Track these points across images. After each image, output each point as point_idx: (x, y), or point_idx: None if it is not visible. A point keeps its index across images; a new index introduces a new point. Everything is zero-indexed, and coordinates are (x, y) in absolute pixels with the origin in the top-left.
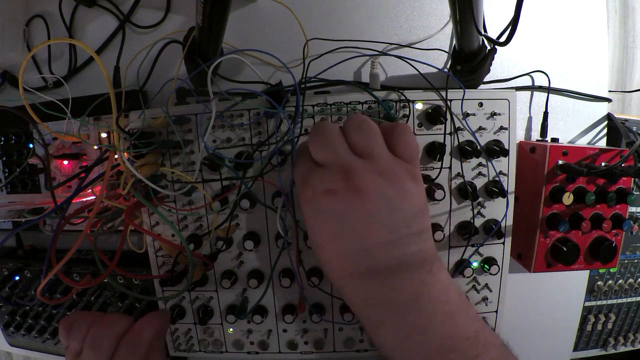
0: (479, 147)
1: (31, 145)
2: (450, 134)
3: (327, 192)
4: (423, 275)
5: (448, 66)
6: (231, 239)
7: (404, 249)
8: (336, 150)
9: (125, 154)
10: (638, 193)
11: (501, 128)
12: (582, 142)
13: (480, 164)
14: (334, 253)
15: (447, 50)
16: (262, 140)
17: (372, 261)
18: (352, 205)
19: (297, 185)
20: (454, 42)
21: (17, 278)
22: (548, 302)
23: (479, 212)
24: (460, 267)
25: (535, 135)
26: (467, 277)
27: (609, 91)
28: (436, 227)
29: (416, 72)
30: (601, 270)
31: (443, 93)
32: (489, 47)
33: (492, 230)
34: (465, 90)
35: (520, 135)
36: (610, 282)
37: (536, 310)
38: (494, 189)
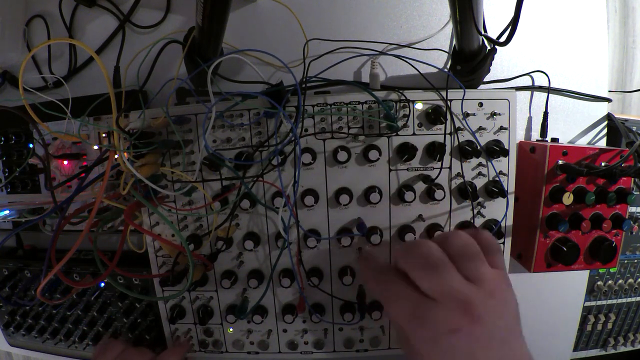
0: (479, 147)
1: (31, 145)
2: (450, 134)
3: (452, 331)
4: None
5: (448, 66)
6: (231, 239)
7: (514, 352)
8: (453, 284)
9: (125, 154)
10: (638, 193)
11: (501, 128)
12: (582, 142)
13: (480, 164)
14: None
15: (447, 50)
16: (262, 141)
17: None
18: (475, 337)
19: (402, 322)
20: (454, 42)
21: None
22: (548, 302)
23: (479, 212)
24: None
25: (535, 135)
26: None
27: (609, 91)
28: (436, 227)
29: (416, 72)
30: (601, 270)
31: (443, 93)
32: (489, 47)
33: (492, 230)
34: (465, 90)
35: (520, 135)
36: (610, 282)
37: (536, 310)
38: (494, 189)
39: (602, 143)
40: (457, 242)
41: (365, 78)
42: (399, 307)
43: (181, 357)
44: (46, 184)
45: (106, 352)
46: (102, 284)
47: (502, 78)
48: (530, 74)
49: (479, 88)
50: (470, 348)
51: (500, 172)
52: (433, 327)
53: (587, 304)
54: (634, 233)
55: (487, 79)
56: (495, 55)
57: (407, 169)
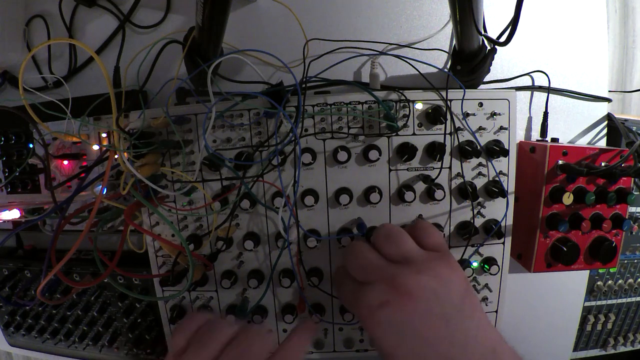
0: (479, 147)
1: (31, 145)
2: (450, 134)
3: (381, 304)
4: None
5: (448, 66)
6: (231, 239)
7: (465, 333)
8: (375, 266)
9: (125, 154)
10: (638, 193)
11: (501, 128)
12: (582, 142)
13: (480, 164)
14: (407, 358)
15: (447, 50)
16: (262, 141)
17: (440, 356)
18: (406, 308)
19: (350, 308)
20: (454, 42)
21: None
22: (548, 302)
23: (479, 212)
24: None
25: (535, 135)
26: (467, 277)
27: (609, 91)
28: (436, 227)
29: (416, 72)
30: (601, 270)
31: (443, 93)
32: (489, 47)
33: (492, 230)
34: (465, 90)
35: (520, 135)
36: (610, 282)
37: (536, 310)
38: (494, 189)
39: (602, 143)
40: (379, 231)
41: (365, 78)
42: (345, 298)
43: (309, 343)
44: (46, 184)
45: (213, 336)
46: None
47: (502, 78)
48: (530, 74)
49: (479, 88)
50: (406, 320)
51: (500, 172)
52: (366, 304)
53: (587, 304)
54: (634, 233)
55: (487, 79)
56: (495, 55)
57: (407, 169)
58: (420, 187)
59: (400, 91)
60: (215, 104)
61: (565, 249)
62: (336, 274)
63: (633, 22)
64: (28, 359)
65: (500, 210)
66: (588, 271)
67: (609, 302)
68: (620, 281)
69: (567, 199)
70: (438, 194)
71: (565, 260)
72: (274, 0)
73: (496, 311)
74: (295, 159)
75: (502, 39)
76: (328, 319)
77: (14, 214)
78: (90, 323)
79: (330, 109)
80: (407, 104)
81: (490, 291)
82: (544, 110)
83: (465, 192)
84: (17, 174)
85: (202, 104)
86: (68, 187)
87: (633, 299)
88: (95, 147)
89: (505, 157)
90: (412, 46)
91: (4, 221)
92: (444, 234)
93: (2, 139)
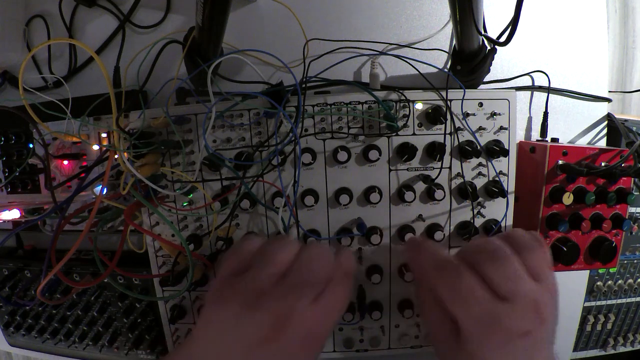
0: (479, 147)
1: (31, 145)
2: (450, 134)
3: (525, 334)
4: None
5: (448, 66)
6: (231, 239)
7: (552, 352)
8: (525, 281)
9: (125, 154)
10: (638, 193)
11: (501, 128)
12: (582, 142)
13: (480, 164)
14: None
15: (447, 50)
16: (262, 141)
17: None
18: (540, 338)
19: (469, 323)
20: (454, 42)
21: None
22: None
23: (479, 212)
24: None
25: (535, 135)
26: None
27: (609, 91)
28: (436, 227)
29: (416, 72)
30: (601, 271)
31: (443, 93)
32: (489, 47)
33: (492, 230)
34: (466, 90)
35: (520, 135)
36: (609, 282)
37: None
38: (494, 189)
39: (602, 143)
40: (519, 235)
41: (365, 78)
42: (470, 308)
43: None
44: (46, 184)
45: (279, 252)
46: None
47: (502, 78)
48: (530, 74)
49: (479, 88)
50: (532, 350)
51: (500, 172)
52: (507, 330)
53: (587, 304)
54: (633, 233)
55: (487, 79)
56: (495, 55)
57: (407, 169)
58: (420, 187)
59: (400, 91)
60: (215, 104)
61: (565, 249)
62: (435, 256)
63: (633, 22)
64: (28, 359)
65: (500, 210)
66: (588, 271)
67: (609, 302)
68: (620, 281)
69: (567, 199)
70: (438, 194)
71: (565, 260)
72: (274, 0)
73: None
74: (295, 159)
75: (502, 39)
76: None
77: (14, 214)
78: (90, 323)
79: (330, 109)
80: (407, 104)
81: None
82: (544, 110)
83: (465, 192)
84: (17, 174)
85: (202, 104)
86: (68, 187)
87: (633, 299)
88: (95, 147)
89: (505, 157)
90: (412, 46)
91: (4, 221)
92: (444, 235)
93: (2, 139)
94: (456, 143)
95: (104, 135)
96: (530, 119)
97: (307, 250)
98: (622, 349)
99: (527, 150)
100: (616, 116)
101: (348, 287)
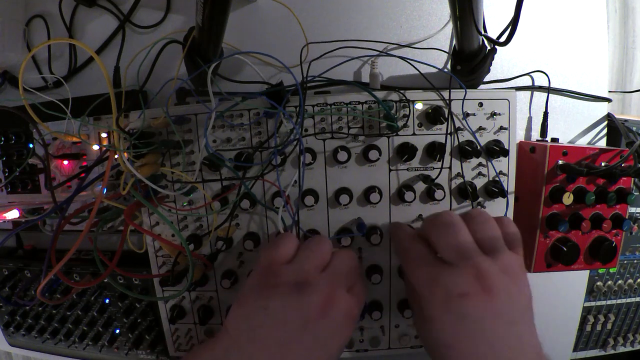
0: (479, 147)
1: (31, 145)
2: (450, 134)
3: (462, 295)
4: None
5: (448, 66)
6: (231, 239)
7: (520, 339)
8: (466, 250)
9: (125, 154)
10: (638, 193)
11: (501, 128)
12: (582, 142)
13: (480, 164)
14: (464, 353)
15: (447, 50)
16: (263, 141)
17: (496, 356)
18: (483, 306)
19: (411, 277)
20: (454, 42)
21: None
22: (548, 302)
23: None
24: None
25: (535, 135)
26: None
27: (609, 91)
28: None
29: (416, 72)
30: (601, 271)
31: (443, 93)
32: (489, 47)
33: None
34: (466, 90)
35: (520, 135)
36: (609, 282)
37: (536, 310)
38: (494, 189)
39: (602, 143)
40: (476, 213)
41: (365, 78)
42: (418, 270)
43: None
44: (46, 184)
45: (320, 247)
46: (107, 300)
47: (502, 78)
48: (530, 74)
49: (479, 88)
50: (479, 316)
51: (500, 172)
52: (445, 289)
53: (587, 304)
54: (633, 233)
55: (487, 79)
56: (495, 55)
57: (407, 169)
58: (420, 187)
59: (400, 91)
60: (215, 103)
61: (565, 249)
62: (401, 232)
63: (633, 22)
64: (28, 359)
65: (500, 210)
66: (588, 271)
67: (609, 302)
68: (620, 281)
69: (567, 199)
70: (438, 194)
71: (565, 260)
72: (274, 1)
73: None
74: (298, 161)
75: (502, 39)
76: None
77: (13, 214)
78: (90, 323)
79: (330, 109)
80: (407, 104)
81: None
82: (544, 110)
83: (465, 192)
84: (17, 174)
85: (202, 104)
86: (68, 187)
87: (633, 299)
88: (95, 147)
89: (505, 157)
90: (412, 46)
91: (4, 221)
92: None
93: (2, 139)
94: (456, 143)
95: (104, 135)
96: (530, 119)
97: (340, 251)
98: (622, 349)
99: (527, 150)
100: (616, 116)
101: (366, 284)
